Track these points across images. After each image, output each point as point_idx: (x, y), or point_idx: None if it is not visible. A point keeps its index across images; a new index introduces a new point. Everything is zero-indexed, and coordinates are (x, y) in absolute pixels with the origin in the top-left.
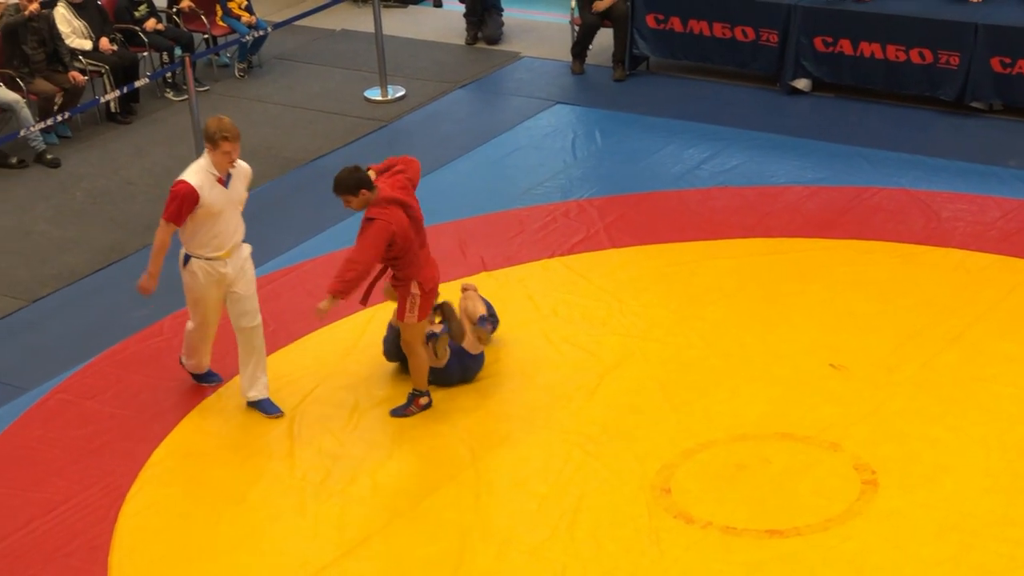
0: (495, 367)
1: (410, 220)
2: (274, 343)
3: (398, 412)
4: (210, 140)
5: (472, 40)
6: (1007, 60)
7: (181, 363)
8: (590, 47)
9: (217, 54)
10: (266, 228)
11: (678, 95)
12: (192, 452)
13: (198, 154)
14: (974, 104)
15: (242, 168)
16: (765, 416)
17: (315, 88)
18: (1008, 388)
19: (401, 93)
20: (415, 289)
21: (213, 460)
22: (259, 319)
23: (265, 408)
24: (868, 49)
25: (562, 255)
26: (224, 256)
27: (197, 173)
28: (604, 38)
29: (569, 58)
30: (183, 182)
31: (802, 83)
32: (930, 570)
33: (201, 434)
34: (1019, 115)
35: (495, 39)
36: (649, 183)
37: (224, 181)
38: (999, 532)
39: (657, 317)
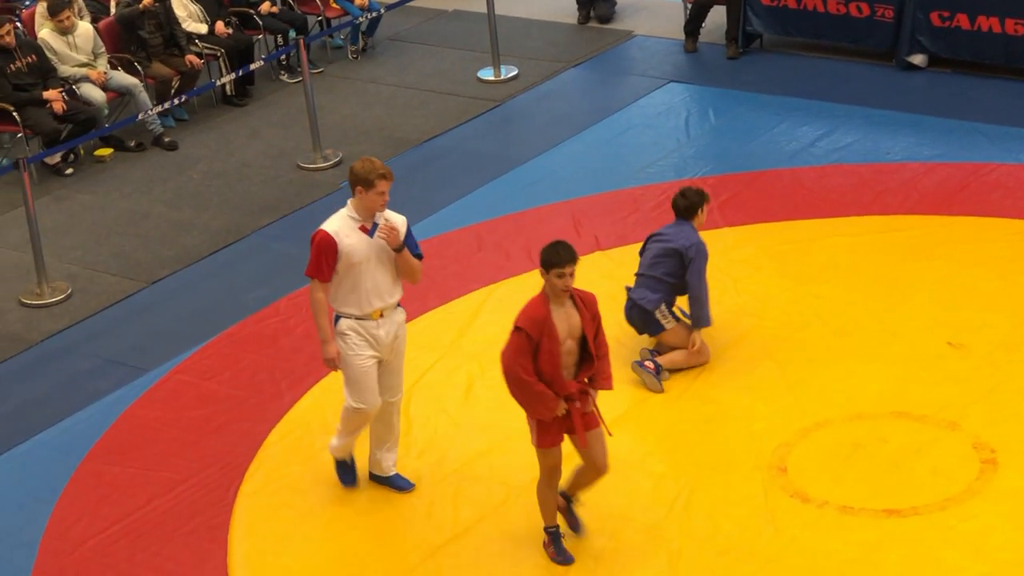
0: None
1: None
2: None
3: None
4: (363, 182)
5: (584, 19)
6: None
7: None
8: (703, 25)
9: (331, 36)
10: None
11: (792, 72)
12: (309, 432)
13: (313, 136)
14: None
15: (395, 219)
16: (882, 395)
17: (428, 69)
18: None
19: (514, 73)
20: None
21: (329, 440)
22: (401, 394)
23: (396, 484)
24: (986, 23)
25: None
26: (374, 316)
27: (336, 219)
28: (717, 16)
29: (682, 36)
30: (320, 230)
31: (918, 59)
32: None
33: (317, 414)
34: None
35: (607, 18)
36: (763, 161)
37: (369, 230)
38: None
39: (772, 295)
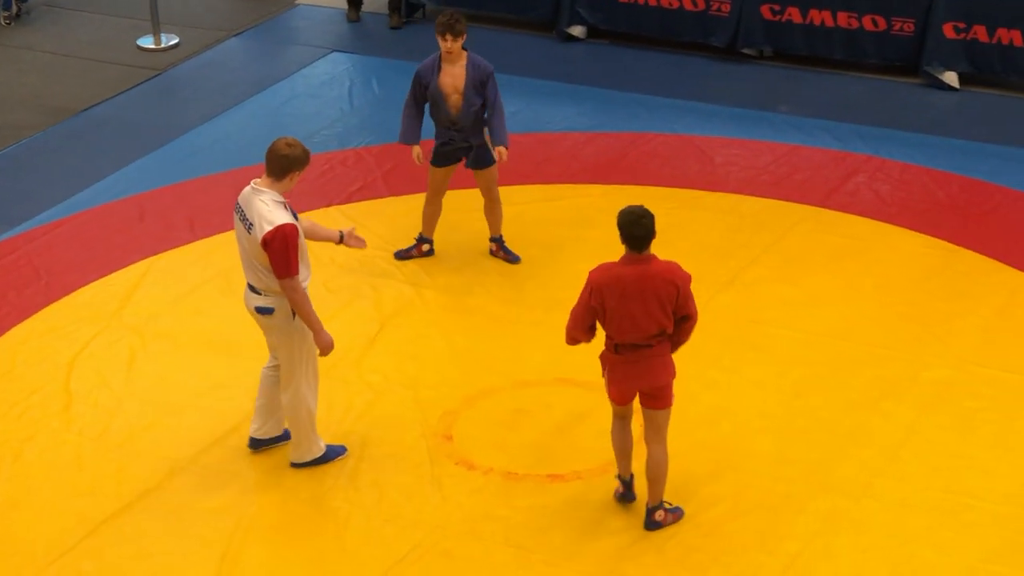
0: None
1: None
2: (47, 296)
3: None
4: (302, 162)
5: None
6: (777, 8)
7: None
8: None
9: None
10: (37, 178)
11: None
12: None
13: None
14: (745, 51)
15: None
16: (546, 362)
17: (86, 36)
18: (782, 330)
19: (175, 41)
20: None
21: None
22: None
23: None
24: None
25: (340, 204)
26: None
27: (278, 209)
28: None
29: (345, 6)
30: (282, 226)
31: (577, 30)
32: (709, 509)
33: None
34: (789, 62)
35: None
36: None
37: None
38: (774, 471)
39: (434, 264)
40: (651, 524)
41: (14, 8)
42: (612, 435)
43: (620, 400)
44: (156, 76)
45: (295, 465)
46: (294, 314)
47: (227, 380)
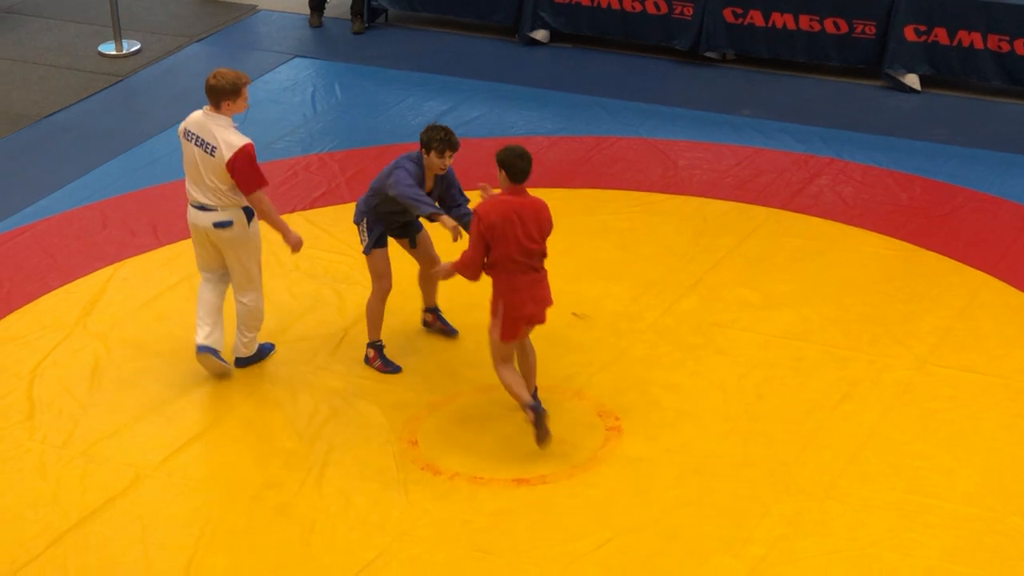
0: None
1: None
2: (9, 304)
3: None
4: (229, 93)
5: None
6: (739, 11)
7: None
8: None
9: None
10: None
11: (417, 47)
12: None
13: None
14: (708, 54)
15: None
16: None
17: (46, 42)
18: (745, 333)
19: (136, 47)
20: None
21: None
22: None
23: (265, 352)
24: (605, 0)
25: (304, 209)
26: None
27: (233, 131)
28: None
29: (307, 11)
30: (243, 146)
31: (540, 34)
32: (673, 513)
33: None
34: (751, 64)
35: None
36: (390, 136)
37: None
38: (738, 473)
39: (401, 270)
40: (538, 403)
41: None
42: (508, 380)
43: (516, 334)
44: (118, 82)
45: (241, 361)
46: (248, 222)
47: (192, 386)
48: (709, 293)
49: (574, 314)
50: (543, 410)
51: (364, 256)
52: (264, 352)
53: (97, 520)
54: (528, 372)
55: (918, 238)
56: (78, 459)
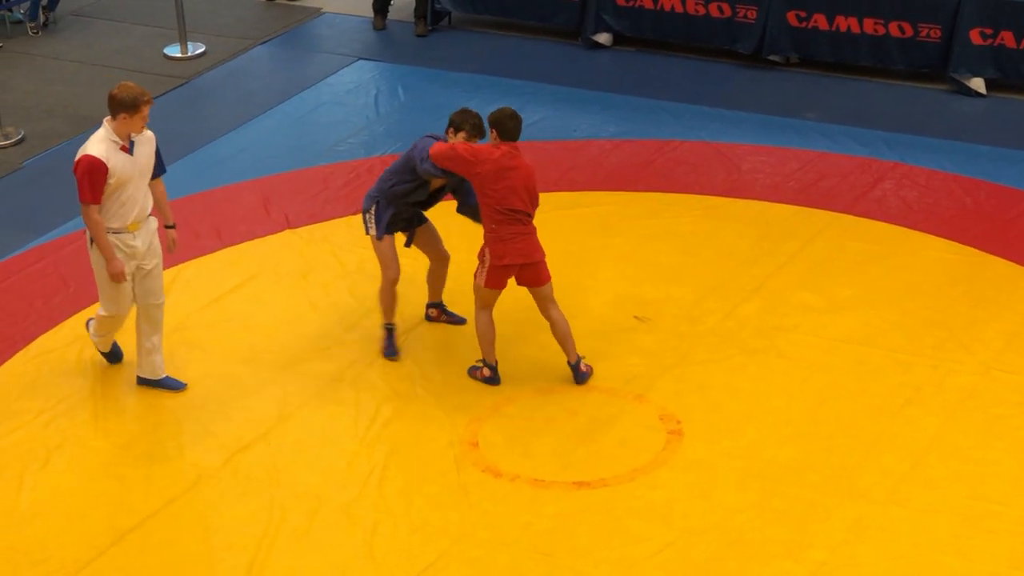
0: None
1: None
2: (75, 304)
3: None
4: (127, 107)
5: None
6: (802, 14)
7: (87, 329)
8: (392, 2)
9: (10, 10)
10: (64, 187)
11: (480, 50)
12: None
13: None
14: (771, 57)
15: (146, 135)
16: (570, 369)
17: (113, 45)
18: (807, 337)
19: (201, 50)
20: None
21: (16, 422)
22: (163, 297)
23: (169, 385)
24: (668, 3)
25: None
26: (132, 228)
27: (97, 144)
28: None
29: (371, 14)
30: (86, 155)
31: (603, 37)
32: (734, 517)
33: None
34: (814, 68)
35: None
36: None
37: (128, 148)
38: (799, 478)
39: (464, 272)
40: (580, 376)
41: (41, 18)
42: (482, 328)
43: (500, 283)
44: (183, 85)
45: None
46: (92, 241)
47: (255, 386)
48: (771, 297)
49: (636, 317)
50: (496, 375)
51: (372, 245)
52: (168, 384)
53: (160, 520)
54: (563, 339)
55: (983, 243)
56: (142, 459)
